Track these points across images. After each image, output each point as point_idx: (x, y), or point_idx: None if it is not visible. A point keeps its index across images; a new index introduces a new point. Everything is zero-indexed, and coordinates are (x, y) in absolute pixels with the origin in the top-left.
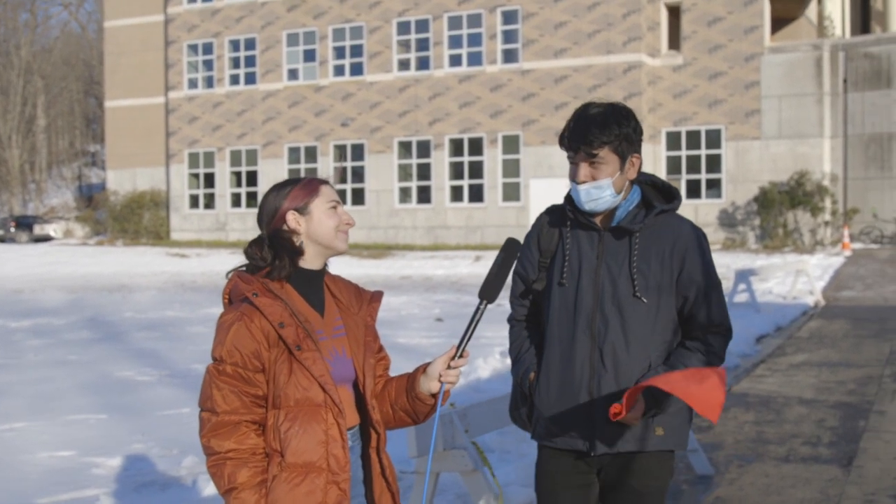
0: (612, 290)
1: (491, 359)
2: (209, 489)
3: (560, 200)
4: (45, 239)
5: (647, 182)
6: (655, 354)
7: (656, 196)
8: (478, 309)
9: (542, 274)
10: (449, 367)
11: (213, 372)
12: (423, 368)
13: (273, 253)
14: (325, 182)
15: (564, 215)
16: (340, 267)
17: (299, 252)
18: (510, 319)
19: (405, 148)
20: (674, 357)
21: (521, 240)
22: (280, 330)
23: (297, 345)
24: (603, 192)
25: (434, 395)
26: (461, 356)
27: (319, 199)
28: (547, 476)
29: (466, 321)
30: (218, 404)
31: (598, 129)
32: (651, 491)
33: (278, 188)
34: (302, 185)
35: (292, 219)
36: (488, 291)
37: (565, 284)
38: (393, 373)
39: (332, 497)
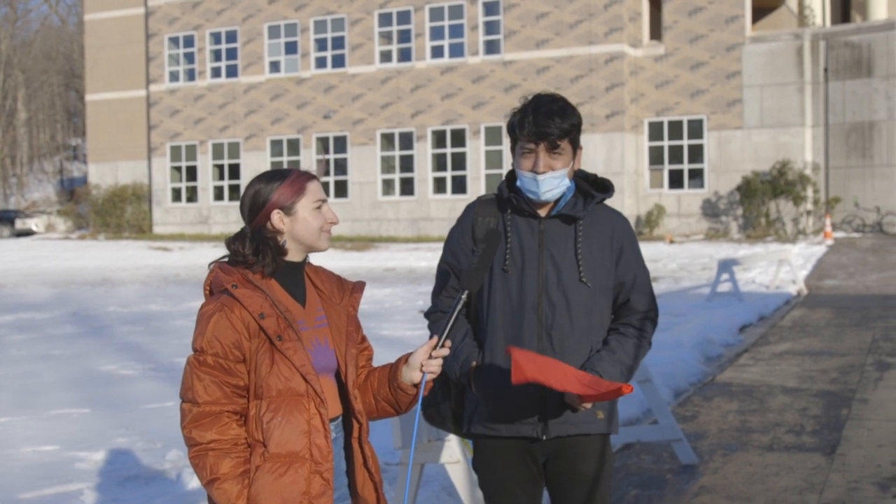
0: (556, 275)
1: None
2: (193, 483)
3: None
4: (27, 233)
5: (578, 175)
6: (596, 339)
7: (589, 187)
8: (459, 299)
9: None
10: (431, 357)
11: (194, 363)
12: (405, 359)
13: (254, 248)
14: (313, 178)
15: (501, 203)
16: (324, 259)
17: (283, 252)
18: (432, 312)
19: (388, 140)
20: (613, 342)
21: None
22: (261, 321)
23: (278, 335)
24: (561, 181)
25: (416, 386)
26: (443, 346)
27: (306, 199)
28: (492, 467)
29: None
30: (199, 395)
31: (560, 119)
32: (601, 475)
33: (265, 181)
34: (289, 183)
35: (277, 218)
36: (470, 282)
37: (508, 271)
38: (376, 364)
39: (315, 487)
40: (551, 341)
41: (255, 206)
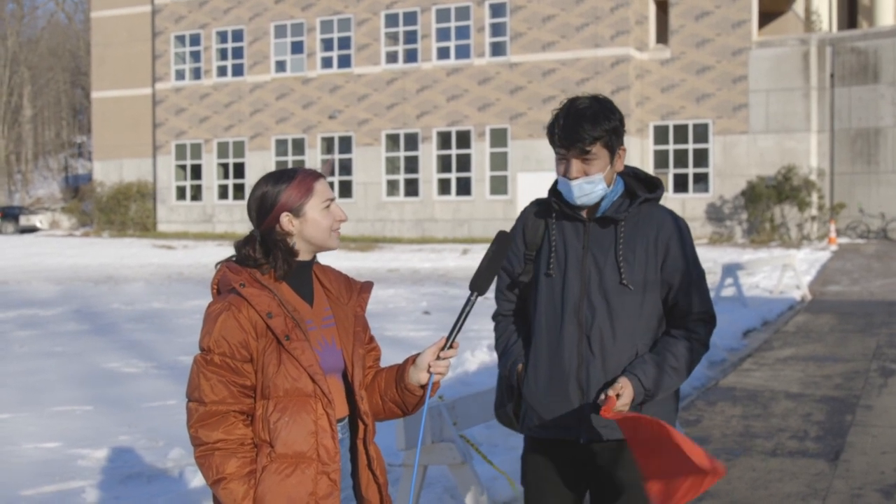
0: (598, 278)
1: (479, 352)
2: (195, 481)
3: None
4: (31, 230)
5: (629, 174)
6: (642, 342)
7: (639, 187)
8: (468, 300)
9: (528, 266)
10: (438, 358)
11: (201, 362)
12: (413, 359)
13: (264, 251)
14: (320, 177)
15: (549, 207)
16: (327, 259)
17: (294, 254)
18: (496, 315)
19: (393, 141)
20: (660, 345)
21: (509, 232)
22: (268, 320)
23: (286, 335)
24: (595, 186)
25: (423, 387)
26: (450, 347)
27: (314, 200)
28: (534, 467)
29: (454, 314)
30: (206, 394)
31: (591, 126)
32: (639, 482)
33: (272, 183)
34: (297, 184)
35: (286, 220)
36: (479, 283)
37: (552, 275)
38: (382, 365)
39: (322, 488)
40: (590, 345)
41: (264, 209)
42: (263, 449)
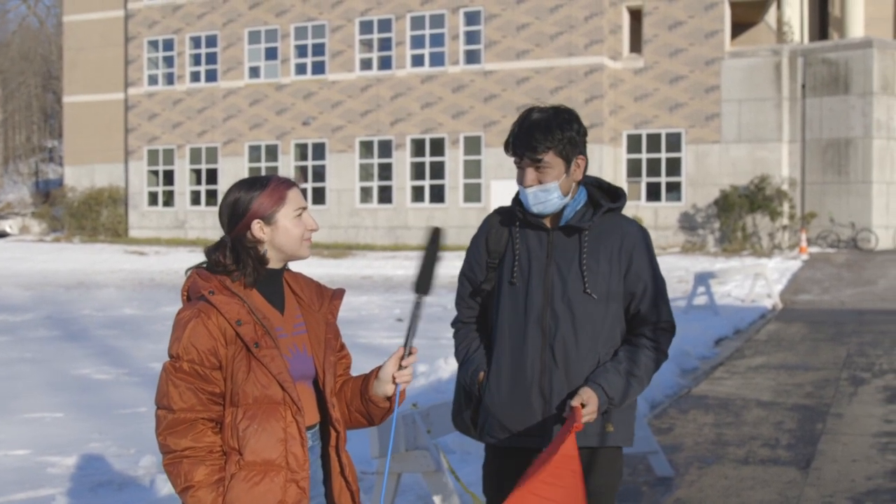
0: (561, 287)
1: (451, 359)
2: (167, 489)
3: None
4: (1, 235)
5: (592, 183)
6: (604, 351)
7: (602, 196)
8: (416, 304)
9: (490, 274)
10: (400, 367)
11: (170, 369)
12: (376, 372)
13: (234, 257)
14: (293, 185)
15: (513, 216)
16: (301, 266)
17: (264, 262)
18: (455, 322)
19: (367, 147)
20: (622, 353)
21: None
22: (237, 328)
23: (255, 342)
24: (550, 194)
25: (388, 398)
26: (409, 354)
27: (286, 208)
28: (495, 475)
29: (427, 322)
30: (174, 401)
31: (542, 135)
32: (604, 490)
33: (245, 189)
34: (269, 192)
35: (258, 228)
36: (422, 284)
37: (515, 283)
38: (354, 372)
39: (291, 496)
40: (553, 353)
41: (235, 215)
42: (232, 457)
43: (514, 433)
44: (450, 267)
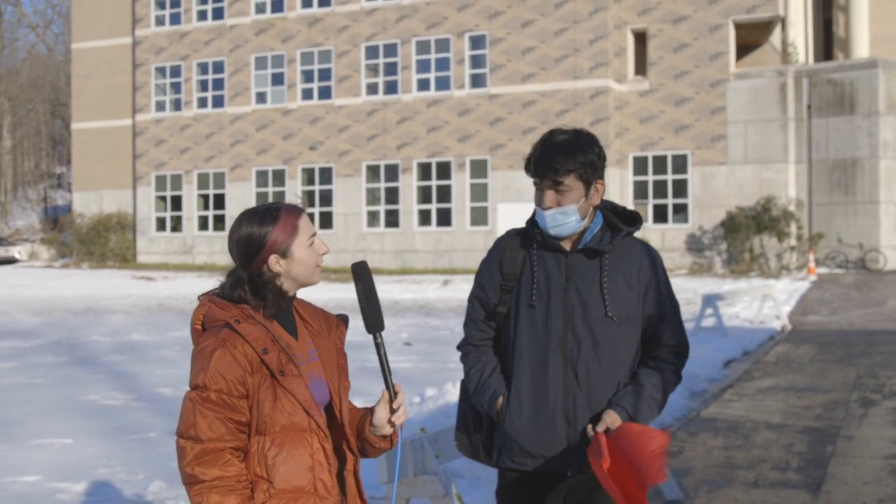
0: (582, 310)
1: (460, 383)
2: None
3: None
4: (10, 261)
5: (607, 207)
6: (623, 374)
7: (617, 220)
8: (377, 344)
9: (504, 297)
10: (392, 409)
11: (197, 399)
12: (370, 418)
13: (254, 292)
14: (301, 212)
15: (530, 238)
16: (308, 291)
17: (284, 295)
18: (464, 345)
19: (373, 172)
20: (640, 376)
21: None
22: (264, 356)
23: (281, 370)
24: (568, 217)
25: (386, 437)
26: (395, 394)
27: (300, 238)
28: (513, 500)
29: (435, 345)
30: (203, 432)
31: (564, 157)
32: None
33: (257, 224)
34: (282, 225)
35: (274, 261)
36: (374, 322)
37: (535, 306)
38: (358, 395)
39: None
40: (577, 377)
41: (251, 251)
42: (260, 485)
43: (538, 457)
44: (458, 291)
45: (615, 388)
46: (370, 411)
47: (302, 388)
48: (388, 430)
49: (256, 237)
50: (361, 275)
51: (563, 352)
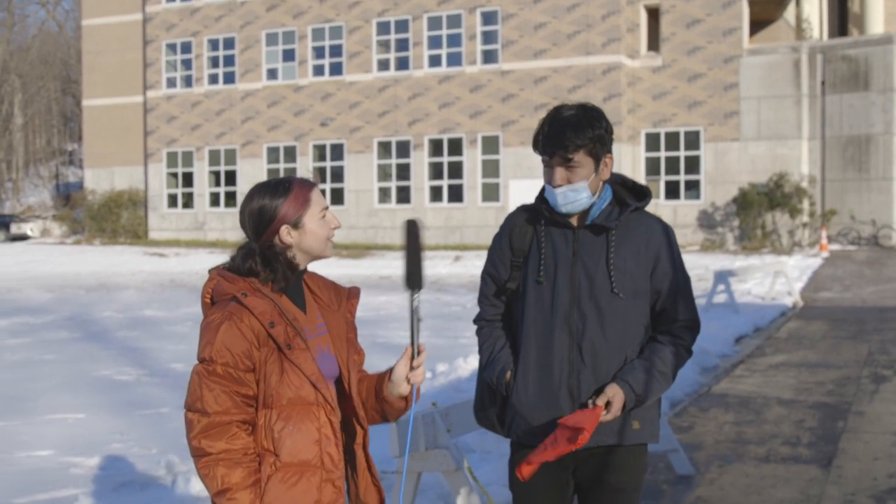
0: (588, 286)
1: (472, 358)
2: (188, 488)
3: None
4: (22, 238)
5: (616, 181)
6: (631, 350)
7: (627, 195)
8: (412, 301)
9: (514, 273)
10: (412, 367)
11: (203, 372)
12: (389, 374)
13: (265, 265)
14: (314, 186)
15: (538, 214)
16: (320, 266)
17: (294, 267)
18: (478, 320)
19: (385, 148)
20: (648, 351)
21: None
22: (270, 329)
23: (288, 344)
24: (579, 194)
25: (404, 398)
26: (419, 353)
27: (311, 210)
28: None
29: (447, 320)
30: (209, 405)
31: (573, 133)
32: (628, 487)
33: (269, 195)
34: (294, 196)
35: (286, 233)
36: (413, 280)
37: (542, 282)
38: (368, 371)
39: (327, 495)
40: (581, 353)
41: (263, 222)
42: (266, 458)
43: (543, 433)
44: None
45: (622, 364)
46: (390, 370)
47: (309, 362)
48: (404, 389)
49: (268, 209)
50: (413, 232)
51: (568, 328)
